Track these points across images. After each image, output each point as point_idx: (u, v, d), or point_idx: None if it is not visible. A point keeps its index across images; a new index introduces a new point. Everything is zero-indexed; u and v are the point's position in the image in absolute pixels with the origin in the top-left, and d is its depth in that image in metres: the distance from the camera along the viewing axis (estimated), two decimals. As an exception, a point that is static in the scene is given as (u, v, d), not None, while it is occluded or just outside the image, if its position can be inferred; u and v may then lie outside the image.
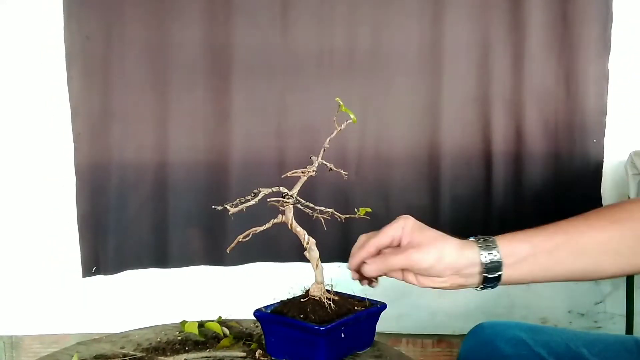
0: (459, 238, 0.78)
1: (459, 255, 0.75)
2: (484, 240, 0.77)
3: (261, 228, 0.86)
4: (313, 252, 0.87)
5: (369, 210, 0.88)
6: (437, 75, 1.70)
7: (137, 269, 1.72)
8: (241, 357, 0.90)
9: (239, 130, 1.69)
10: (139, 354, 0.89)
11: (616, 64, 1.67)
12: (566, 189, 1.68)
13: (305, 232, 0.87)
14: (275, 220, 0.87)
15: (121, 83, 1.66)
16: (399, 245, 0.79)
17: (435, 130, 1.71)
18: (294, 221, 0.86)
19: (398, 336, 1.82)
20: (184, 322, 0.99)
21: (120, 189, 1.68)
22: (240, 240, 0.86)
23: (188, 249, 1.72)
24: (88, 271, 1.69)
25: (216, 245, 1.70)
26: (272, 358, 0.87)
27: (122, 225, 1.69)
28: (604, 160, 1.68)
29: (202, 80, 1.68)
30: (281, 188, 0.86)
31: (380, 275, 0.80)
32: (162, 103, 1.68)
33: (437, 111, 1.70)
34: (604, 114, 1.68)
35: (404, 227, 0.79)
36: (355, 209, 0.89)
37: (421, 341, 1.83)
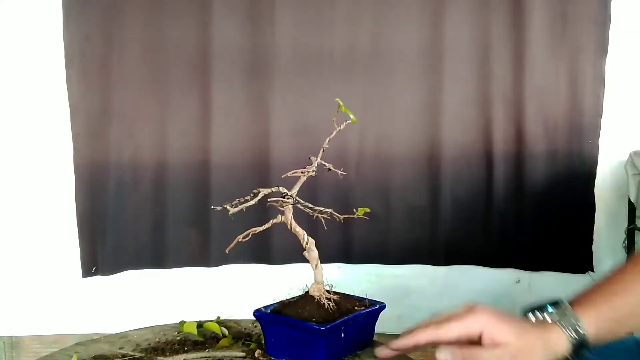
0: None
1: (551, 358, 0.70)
2: (566, 320, 0.71)
3: (261, 228, 0.86)
4: (312, 253, 0.87)
5: (368, 210, 0.87)
6: (437, 75, 1.69)
7: (135, 269, 1.72)
8: (240, 357, 0.90)
9: (238, 130, 1.69)
10: (138, 354, 0.89)
11: (613, 66, 1.67)
12: (565, 189, 1.68)
13: (304, 232, 0.86)
14: (275, 221, 0.87)
15: (120, 82, 1.66)
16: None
17: (435, 130, 1.70)
18: (293, 221, 0.86)
19: (398, 337, 1.81)
20: (182, 323, 0.99)
21: (119, 189, 1.68)
22: (240, 240, 0.86)
23: (186, 249, 1.71)
24: (87, 271, 1.69)
25: (214, 246, 1.70)
26: (272, 358, 0.87)
27: (121, 226, 1.69)
28: (602, 160, 1.68)
29: (201, 80, 1.67)
30: (281, 188, 0.85)
31: None
32: (161, 103, 1.67)
33: (438, 111, 1.70)
34: (600, 114, 1.68)
35: (483, 324, 0.70)
36: (354, 209, 0.88)
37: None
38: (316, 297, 0.86)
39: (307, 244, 0.86)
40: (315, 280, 0.88)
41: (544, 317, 0.72)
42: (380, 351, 0.77)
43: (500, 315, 0.70)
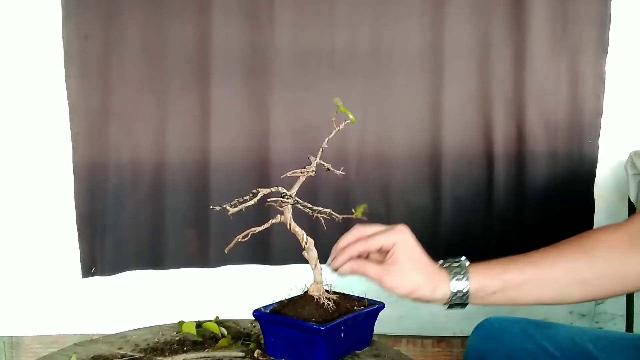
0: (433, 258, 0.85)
1: (431, 294, 0.79)
2: (456, 269, 0.82)
3: (260, 228, 0.86)
4: (312, 252, 0.87)
5: (365, 207, 0.87)
6: (438, 75, 1.69)
7: (135, 269, 1.71)
8: (240, 357, 0.90)
9: (238, 130, 1.69)
10: (137, 355, 0.89)
11: (613, 66, 1.67)
12: (565, 189, 1.68)
13: (304, 232, 0.86)
14: (274, 221, 0.87)
15: (119, 83, 1.65)
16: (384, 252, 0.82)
17: (436, 130, 1.70)
18: (292, 221, 0.85)
19: (398, 337, 1.81)
20: (181, 323, 0.99)
21: (119, 189, 1.68)
22: (239, 240, 0.86)
23: (186, 250, 1.71)
24: (87, 272, 1.69)
25: (214, 246, 1.69)
26: (271, 358, 0.87)
27: (120, 226, 1.68)
28: (602, 160, 1.69)
29: (200, 80, 1.67)
30: (280, 188, 0.85)
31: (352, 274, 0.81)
32: (160, 103, 1.67)
33: (438, 111, 1.70)
34: (600, 114, 1.68)
35: (397, 241, 0.82)
36: (352, 209, 0.88)
37: (421, 342, 1.83)
38: (315, 297, 0.86)
39: (306, 243, 0.86)
40: (314, 280, 0.88)
41: (444, 265, 0.84)
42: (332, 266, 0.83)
43: (415, 241, 0.84)
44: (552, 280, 0.81)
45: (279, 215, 0.86)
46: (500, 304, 0.83)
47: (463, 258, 0.85)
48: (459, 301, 0.81)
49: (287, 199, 0.84)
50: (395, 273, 0.79)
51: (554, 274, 0.81)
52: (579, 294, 0.81)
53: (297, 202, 0.85)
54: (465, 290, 0.80)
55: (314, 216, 0.87)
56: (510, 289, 0.81)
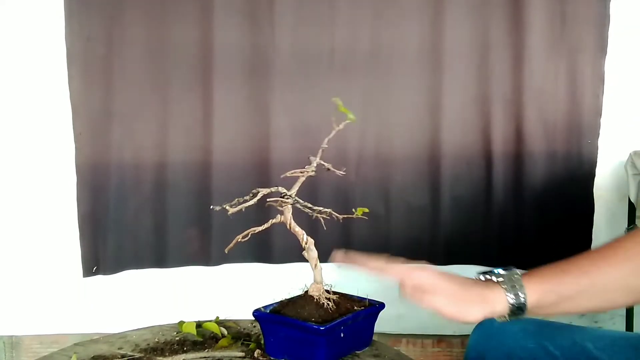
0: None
1: (488, 314, 0.76)
2: (511, 284, 0.77)
3: (260, 228, 0.86)
4: (312, 252, 0.87)
5: (366, 210, 0.87)
6: (437, 75, 1.69)
7: (136, 269, 1.72)
8: (240, 357, 0.90)
9: (239, 130, 1.69)
10: (137, 355, 0.89)
11: (612, 65, 1.67)
12: (565, 189, 1.68)
13: (304, 232, 0.87)
14: (274, 221, 0.87)
15: (122, 83, 1.66)
16: None
17: (435, 130, 1.70)
18: (292, 221, 0.86)
19: (398, 336, 1.81)
20: (181, 323, 0.99)
21: (121, 189, 1.68)
22: (239, 240, 0.86)
23: (187, 248, 1.71)
24: (88, 271, 1.69)
25: (215, 245, 1.70)
26: (271, 358, 0.87)
27: (122, 225, 1.69)
28: (601, 160, 1.68)
29: (201, 81, 1.67)
30: (280, 188, 0.85)
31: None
32: (162, 103, 1.67)
33: (437, 111, 1.70)
34: (599, 114, 1.68)
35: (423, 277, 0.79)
36: (353, 209, 0.89)
37: (421, 341, 1.83)
38: (315, 297, 0.87)
39: (306, 243, 0.86)
40: (314, 280, 0.88)
41: (491, 278, 0.78)
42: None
43: (443, 272, 0.79)
44: (602, 290, 0.79)
45: (279, 215, 0.87)
46: (551, 316, 0.83)
47: (513, 269, 0.80)
48: (514, 315, 0.77)
49: (287, 199, 0.84)
50: (453, 298, 0.76)
51: (604, 282, 0.79)
52: (623, 300, 0.81)
53: (297, 202, 0.86)
54: (523, 302, 0.76)
55: (314, 216, 0.87)
56: (564, 302, 0.78)
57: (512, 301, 0.76)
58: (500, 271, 0.79)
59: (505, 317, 0.77)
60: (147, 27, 1.65)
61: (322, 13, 1.68)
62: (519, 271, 0.79)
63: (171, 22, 1.65)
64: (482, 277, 0.80)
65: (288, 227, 0.86)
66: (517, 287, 0.76)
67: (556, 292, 0.78)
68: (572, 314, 0.81)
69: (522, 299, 0.76)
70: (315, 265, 0.87)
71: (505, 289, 0.77)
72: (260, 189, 0.83)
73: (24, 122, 1.69)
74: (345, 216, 0.89)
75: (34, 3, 1.65)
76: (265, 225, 0.86)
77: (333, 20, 1.68)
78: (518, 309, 0.76)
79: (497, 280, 0.78)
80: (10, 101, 1.68)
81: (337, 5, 1.67)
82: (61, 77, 1.65)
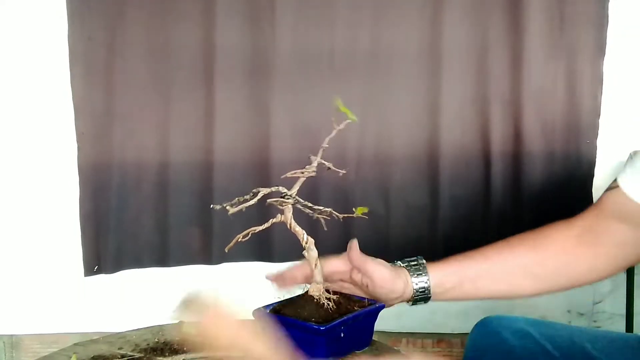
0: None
1: (392, 284, 0.86)
2: (415, 267, 0.87)
3: (260, 228, 0.86)
4: (312, 252, 0.87)
5: (366, 210, 0.88)
6: (436, 76, 1.70)
7: (137, 268, 1.72)
8: (240, 357, 0.90)
9: (240, 130, 1.69)
10: (137, 355, 0.89)
11: (611, 66, 1.67)
12: (563, 189, 1.68)
13: (304, 231, 0.87)
14: (275, 220, 0.87)
15: (124, 83, 1.66)
16: None
17: (434, 130, 1.71)
18: (292, 221, 0.86)
19: (398, 335, 1.82)
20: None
21: (123, 188, 1.68)
22: (239, 239, 0.86)
23: (189, 248, 1.72)
24: (90, 270, 1.69)
25: (216, 244, 1.70)
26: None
27: (124, 225, 1.69)
28: (601, 160, 1.69)
29: (203, 81, 1.68)
30: (280, 188, 0.86)
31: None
32: (164, 103, 1.68)
33: (437, 111, 1.70)
34: (598, 115, 1.68)
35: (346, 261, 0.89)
36: (353, 209, 0.89)
37: (421, 341, 1.83)
38: (315, 297, 0.87)
39: (306, 243, 0.86)
40: (314, 280, 0.88)
41: (397, 264, 0.90)
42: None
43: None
44: (504, 274, 0.86)
45: (279, 215, 0.87)
46: (458, 299, 0.88)
47: (419, 257, 0.90)
48: (421, 296, 0.86)
49: (288, 198, 0.85)
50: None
51: (506, 268, 0.86)
52: (530, 288, 0.87)
53: (298, 201, 0.86)
54: (426, 286, 0.85)
55: (315, 216, 0.87)
56: (466, 283, 0.86)
57: (416, 285, 0.85)
58: (408, 260, 0.90)
59: (410, 301, 0.87)
60: (149, 28, 1.66)
61: (323, 14, 1.68)
62: (424, 259, 0.89)
63: (173, 23, 1.66)
64: (396, 264, 0.91)
65: (288, 226, 0.86)
66: (421, 270, 0.86)
67: (457, 274, 0.86)
68: (477, 297, 0.88)
69: (425, 283, 0.85)
70: (316, 265, 0.87)
71: (410, 273, 0.86)
72: (260, 189, 0.83)
73: (26, 122, 1.69)
74: (345, 215, 0.90)
75: (36, 3, 1.66)
76: (266, 225, 0.87)
77: (333, 21, 1.68)
78: (421, 292, 0.85)
79: (403, 266, 0.88)
80: (13, 101, 1.68)
81: (337, 6, 1.68)
82: (63, 77, 1.65)
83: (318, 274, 0.88)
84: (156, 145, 1.68)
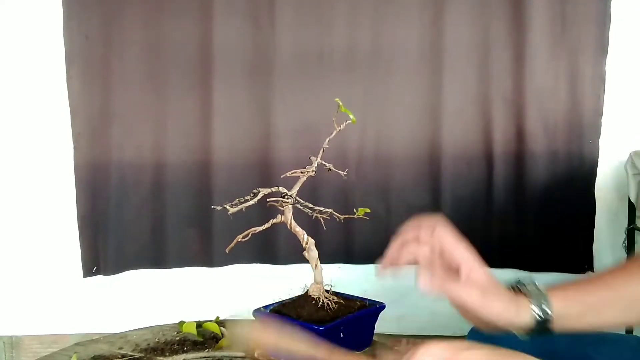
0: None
1: (515, 317, 0.73)
2: (535, 292, 0.74)
3: (260, 228, 0.86)
4: (312, 252, 0.87)
5: (368, 210, 0.87)
6: (437, 75, 1.69)
7: (136, 269, 1.71)
8: (240, 357, 0.90)
9: (239, 130, 1.69)
10: (137, 355, 0.89)
11: (613, 66, 1.67)
12: (565, 189, 1.68)
13: (304, 232, 0.86)
14: (275, 221, 0.87)
15: (120, 83, 1.65)
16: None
17: (435, 130, 1.70)
18: (293, 221, 0.86)
19: (398, 337, 1.81)
20: (181, 323, 0.99)
21: (120, 189, 1.67)
22: (239, 240, 0.86)
23: (186, 249, 1.71)
24: (88, 271, 1.69)
25: (214, 246, 1.69)
26: (272, 358, 0.87)
27: (122, 226, 1.68)
28: (602, 160, 1.68)
29: (201, 80, 1.67)
30: (280, 188, 0.85)
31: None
32: (161, 103, 1.67)
33: (438, 111, 1.69)
34: (600, 114, 1.67)
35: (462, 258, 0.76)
36: (354, 209, 0.88)
37: (421, 341, 1.82)
38: (315, 297, 0.86)
39: (306, 243, 0.86)
40: (314, 281, 0.88)
41: (517, 290, 0.76)
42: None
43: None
44: (629, 301, 0.76)
45: (279, 215, 0.87)
46: (577, 330, 0.77)
47: (536, 281, 0.77)
48: (540, 328, 0.74)
49: (288, 199, 0.84)
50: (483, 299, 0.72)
51: (630, 294, 0.76)
52: None
53: (298, 202, 0.85)
54: (548, 316, 0.73)
55: (314, 216, 0.87)
56: (590, 314, 0.76)
57: (537, 311, 0.73)
58: (523, 282, 0.77)
59: (527, 330, 0.74)
60: (146, 27, 1.65)
61: (323, 13, 1.67)
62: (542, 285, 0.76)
63: (170, 22, 1.65)
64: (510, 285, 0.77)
65: (289, 227, 0.86)
66: (541, 297, 0.74)
67: (581, 302, 0.75)
68: (599, 327, 0.78)
69: (546, 309, 0.73)
70: (316, 265, 0.87)
71: (529, 298, 0.73)
72: (260, 189, 0.83)
73: (22, 122, 1.68)
74: (346, 216, 0.89)
75: (32, 2, 1.65)
76: (266, 226, 0.86)
77: (333, 20, 1.68)
78: (542, 321, 0.73)
79: (521, 290, 0.75)
80: (9, 101, 1.68)
81: (337, 6, 1.67)
82: (60, 76, 1.64)
83: (318, 274, 0.88)
84: (154, 145, 1.67)
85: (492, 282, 0.74)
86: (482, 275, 0.74)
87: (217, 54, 1.66)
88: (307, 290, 0.89)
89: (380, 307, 0.90)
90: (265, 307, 0.88)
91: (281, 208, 0.86)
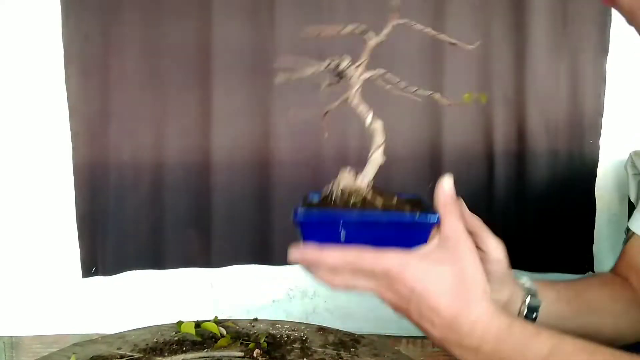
0: None
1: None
2: (529, 285, 0.80)
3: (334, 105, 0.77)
4: (377, 137, 0.72)
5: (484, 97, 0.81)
6: (438, 75, 1.69)
7: (136, 269, 1.71)
8: (239, 357, 0.90)
9: (238, 130, 1.68)
10: (136, 355, 0.89)
11: (614, 65, 1.66)
12: (566, 189, 1.68)
13: (370, 110, 0.74)
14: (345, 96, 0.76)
15: (119, 82, 1.65)
16: None
17: (436, 129, 1.70)
18: (358, 95, 0.73)
19: (398, 337, 1.81)
20: (180, 323, 0.99)
21: (119, 189, 1.67)
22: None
23: (185, 250, 1.71)
24: (87, 272, 1.69)
25: (213, 247, 1.69)
26: (271, 357, 0.87)
27: (121, 226, 1.68)
28: (602, 160, 1.68)
29: (200, 80, 1.66)
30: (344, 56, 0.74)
31: None
32: (160, 103, 1.66)
33: (438, 111, 1.69)
34: (601, 114, 1.67)
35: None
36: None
37: (421, 341, 1.82)
38: (363, 194, 0.71)
39: (371, 124, 0.74)
40: (365, 176, 0.74)
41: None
42: None
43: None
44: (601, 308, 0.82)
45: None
46: (569, 318, 0.80)
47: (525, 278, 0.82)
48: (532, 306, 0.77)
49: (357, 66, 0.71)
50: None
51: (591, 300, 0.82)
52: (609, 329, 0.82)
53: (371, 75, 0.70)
54: (534, 289, 0.79)
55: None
56: (563, 300, 0.80)
57: (527, 284, 0.78)
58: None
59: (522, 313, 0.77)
60: (145, 26, 1.64)
61: (323, 13, 1.67)
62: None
63: (170, 21, 1.64)
64: None
65: (350, 101, 0.73)
66: (532, 288, 0.78)
67: (567, 301, 0.80)
68: (597, 333, 0.78)
69: (536, 299, 0.76)
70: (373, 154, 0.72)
71: (521, 288, 0.78)
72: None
73: (20, 122, 1.68)
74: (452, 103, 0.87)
75: (31, 1, 1.65)
76: (336, 103, 0.76)
77: (333, 19, 1.68)
78: (531, 310, 0.76)
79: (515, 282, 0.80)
80: (6, 100, 1.67)
81: (338, 5, 1.67)
82: (58, 76, 1.64)
83: (373, 167, 0.76)
84: (153, 145, 1.67)
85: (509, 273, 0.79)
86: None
87: (217, 53, 1.65)
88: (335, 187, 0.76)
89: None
90: (306, 209, 0.69)
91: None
